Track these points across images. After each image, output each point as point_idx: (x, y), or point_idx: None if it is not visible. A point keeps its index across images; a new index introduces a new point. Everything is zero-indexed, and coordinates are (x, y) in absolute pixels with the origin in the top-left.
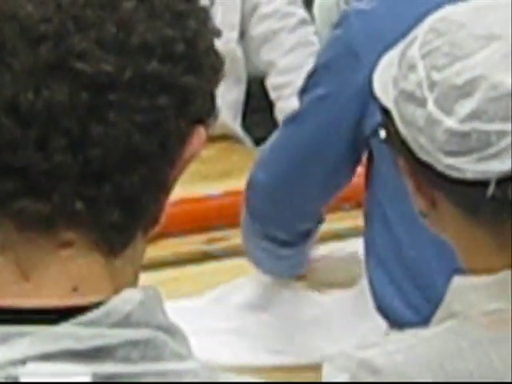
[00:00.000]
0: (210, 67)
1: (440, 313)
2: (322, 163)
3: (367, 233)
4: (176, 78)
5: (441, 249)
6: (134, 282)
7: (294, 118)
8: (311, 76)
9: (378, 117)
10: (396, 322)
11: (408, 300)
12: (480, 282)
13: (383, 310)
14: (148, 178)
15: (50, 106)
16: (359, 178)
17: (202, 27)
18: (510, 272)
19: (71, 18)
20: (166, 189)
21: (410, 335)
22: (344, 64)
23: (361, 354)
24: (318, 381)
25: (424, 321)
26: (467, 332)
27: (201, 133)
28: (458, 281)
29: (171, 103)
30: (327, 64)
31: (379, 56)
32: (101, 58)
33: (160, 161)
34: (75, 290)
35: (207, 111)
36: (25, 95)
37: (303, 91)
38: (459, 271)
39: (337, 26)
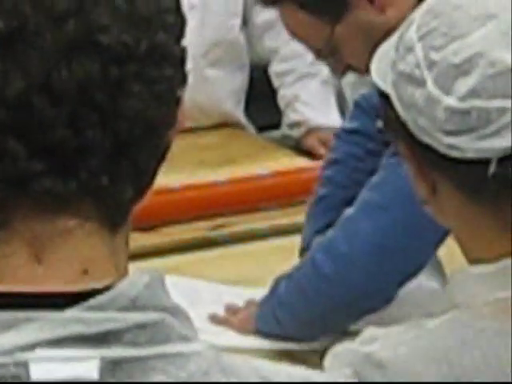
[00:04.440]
0: (184, 33)
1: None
2: None
3: None
4: (171, 47)
5: None
6: (126, 256)
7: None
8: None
9: None
10: None
11: None
12: (481, 272)
13: None
14: (156, 148)
15: (82, 82)
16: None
17: None
18: (510, 260)
19: None
20: (163, 158)
21: (412, 327)
22: None
23: (364, 348)
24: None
25: None
26: (471, 323)
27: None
28: (459, 271)
29: (173, 72)
30: None
31: None
32: (120, 30)
33: (166, 129)
34: (85, 272)
35: (184, 77)
36: (58, 73)
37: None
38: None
39: None
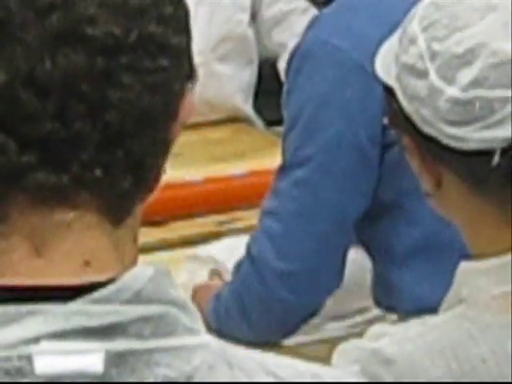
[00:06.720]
0: (187, 26)
1: (448, 299)
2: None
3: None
4: (169, 39)
5: None
6: (134, 251)
7: (305, 181)
8: (312, 122)
9: None
10: None
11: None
12: (486, 266)
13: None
14: (154, 140)
15: (67, 73)
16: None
17: None
18: None
19: None
20: (167, 152)
21: (418, 323)
22: (356, 83)
23: (371, 344)
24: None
25: None
26: (477, 317)
27: (190, 92)
28: (464, 266)
29: (170, 64)
30: (328, 99)
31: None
32: (108, 22)
33: (165, 122)
34: (87, 264)
35: (192, 71)
36: (42, 66)
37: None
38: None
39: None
